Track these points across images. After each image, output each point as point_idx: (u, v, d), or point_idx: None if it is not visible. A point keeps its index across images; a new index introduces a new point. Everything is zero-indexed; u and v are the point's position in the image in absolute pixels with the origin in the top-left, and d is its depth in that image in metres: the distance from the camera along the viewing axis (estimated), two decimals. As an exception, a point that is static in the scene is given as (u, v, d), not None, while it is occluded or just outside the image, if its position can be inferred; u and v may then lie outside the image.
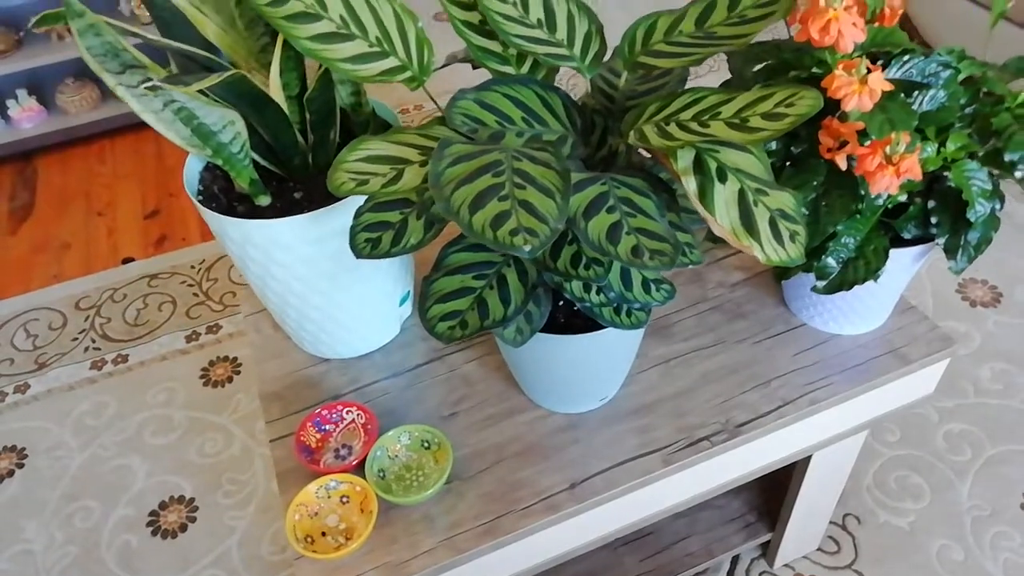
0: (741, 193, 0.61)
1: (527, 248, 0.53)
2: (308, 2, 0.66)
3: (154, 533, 1.44)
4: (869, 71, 0.62)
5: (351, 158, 0.62)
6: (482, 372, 0.95)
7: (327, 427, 0.89)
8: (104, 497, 1.50)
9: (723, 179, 0.61)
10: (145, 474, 1.53)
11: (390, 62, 0.69)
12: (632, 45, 0.70)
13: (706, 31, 0.68)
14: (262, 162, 0.85)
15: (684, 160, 0.62)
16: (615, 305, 0.71)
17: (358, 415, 0.88)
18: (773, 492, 1.26)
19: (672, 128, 0.62)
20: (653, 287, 0.71)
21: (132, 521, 1.46)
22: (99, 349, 1.77)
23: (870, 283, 0.83)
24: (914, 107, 0.70)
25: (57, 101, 2.31)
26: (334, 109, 0.84)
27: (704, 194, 0.61)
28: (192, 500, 1.48)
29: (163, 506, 1.48)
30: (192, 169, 0.84)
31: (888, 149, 0.61)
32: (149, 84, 0.62)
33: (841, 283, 0.74)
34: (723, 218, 0.60)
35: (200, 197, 0.84)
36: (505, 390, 0.93)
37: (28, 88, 2.33)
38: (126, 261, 1.99)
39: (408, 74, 0.70)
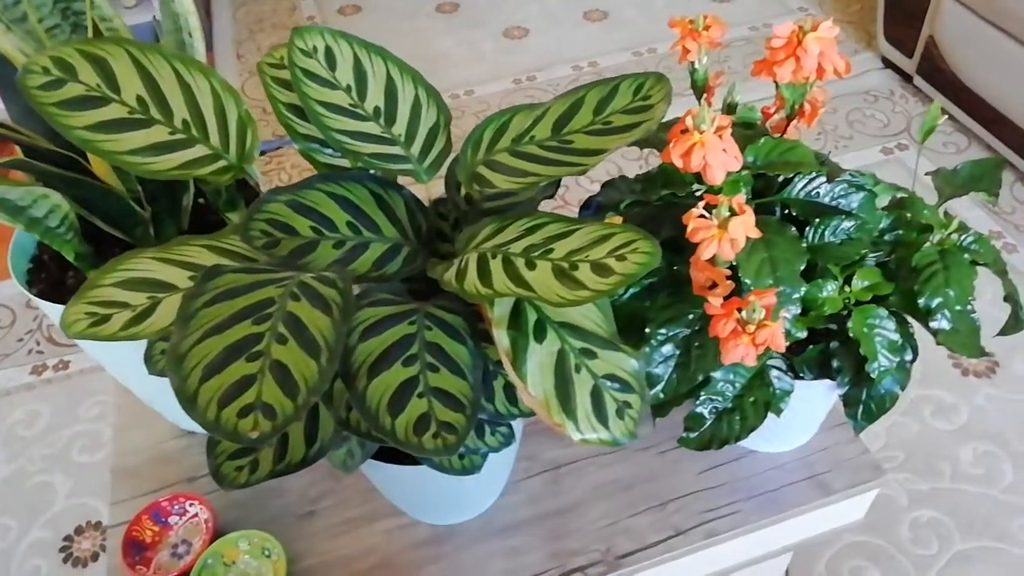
0: (561, 355, 0.51)
1: (255, 436, 0.43)
2: (93, 83, 0.56)
3: (65, 560, 1.39)
4: (734, 212, 0.50)
5: (105, 281, 0.52)
6: (351, 464, 0.86)
7: (168, 519, 0.81)
8: (23, 516, 1.46)
9: (541, 337, 0.51)
10: (67, 493, 1.48)
11: (196, 151, 0.59)
12: (476, 149, 0.59)
13: (562, 139, 0.57)
14: (107, 229, 0.76)
15: (501, 307, 0.52)
16: (443, 447, 0.61)
17: (201, 509, 0.80)
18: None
19: (495, 265, 0.52)
20: (487, 430, 0.60)
21: (46, 545, 1.41)
22: (42, 353, 1.72)
23: (791, 401, 0.72)
24: (812, 239, 0.58)
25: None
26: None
27: (516, 354, 0.50)
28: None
29: (79, 531, 1.43)
30: (24, 236, 0.76)
31: (744, 314, 0.50)
32: None
33: (711, 439, 0.63)
34: (535, 386, 0.50)
35: (31, 265, 0.76)
36: (372, 489, 0.83)
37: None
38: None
39: (221, 164, 0.60)
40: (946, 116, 2.07)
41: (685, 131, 0.52)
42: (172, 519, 0.81)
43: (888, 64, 2.25)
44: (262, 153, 1.67)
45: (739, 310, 0.50)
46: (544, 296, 0.48)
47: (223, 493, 0.84)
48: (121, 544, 0.77)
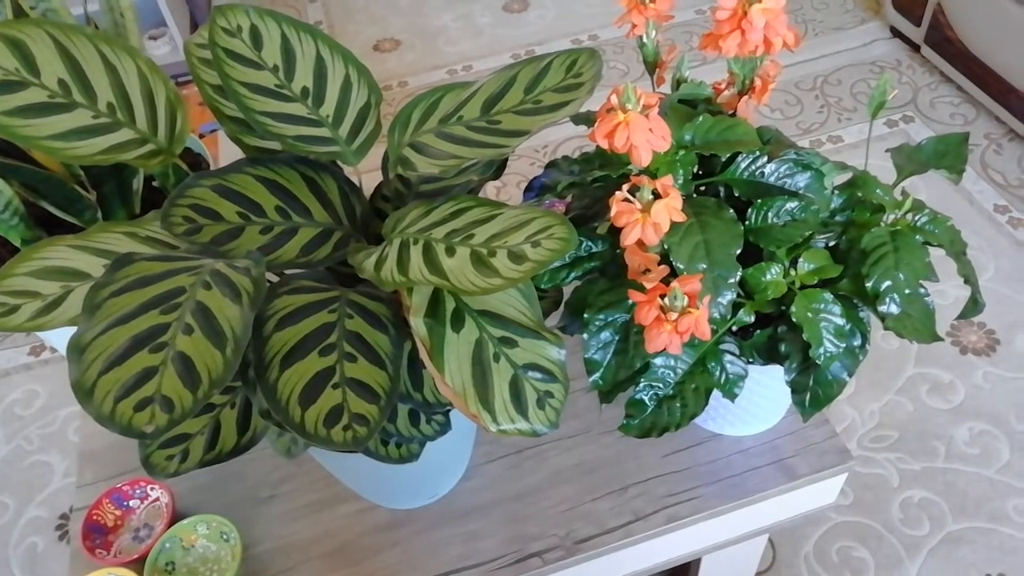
0: (479, 344, 0.49)
1: (149, 430, 0.42)
2: (11, 67, 0.55)
3: (61, 538, 1.41)
4: (657, 195, 0.48)
5: (19, 270, 0.52)
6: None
7: (130, 503, 0.81)
8: (20, 494, 1.48)
9: (459, 326, 0.49)
10: (62, 473, 1.50)
11: (122, 135, 0.58)
12: (403, 130, 0.57)
13: (490, 120, 0.55)
14: (57, 214, 0.76)
15: (420, 295, 0.50)
16: (378, 436, 0.60)
17: (162, 493, 0.80)
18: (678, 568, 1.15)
19: (415, 252, 0.50)
20: (423, 419, 0.59)
21: (42, 523, 1.44)
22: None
23: (754, 384, 0.70)
24: (754, 221, 0.56)
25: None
26: (130, 159, 0.74)
27: (433, 344, 0.49)
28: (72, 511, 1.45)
29: (74, 510, 1.44)
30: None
31: (667, 300, 0.48)
32: None
33: (652, 426, 0.62)
34: (453, 376, 0.48)
35: (-17, 251, 0.76)
36: (333, 474, 0.83)
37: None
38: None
39: (149, 148, 0.59)
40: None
41: (611, 110, 0.50)
42: (133, 503, 0.81)
43: (896, 34, 2.18)
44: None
45: (662, 297, 0.48)
46: (458, 284, 0.46)
47: (186, 477, 0.84)
48: (81, 528, 0.77)
